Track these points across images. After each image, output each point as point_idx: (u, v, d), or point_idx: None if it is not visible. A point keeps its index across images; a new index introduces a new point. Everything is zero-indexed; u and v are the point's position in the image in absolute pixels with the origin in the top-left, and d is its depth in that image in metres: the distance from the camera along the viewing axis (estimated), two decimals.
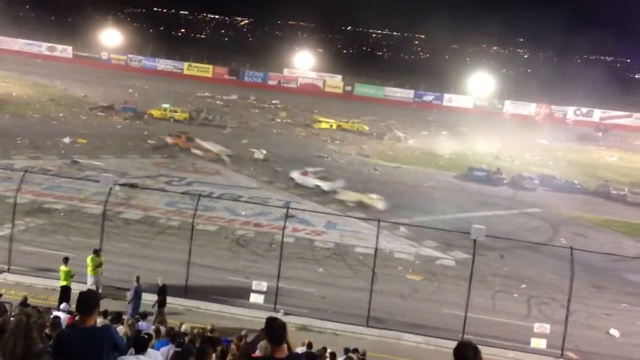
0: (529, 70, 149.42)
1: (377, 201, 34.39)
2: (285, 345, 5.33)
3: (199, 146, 42.99)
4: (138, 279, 17.86)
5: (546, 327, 18.87)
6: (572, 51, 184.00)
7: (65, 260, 18.19)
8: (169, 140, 44.51)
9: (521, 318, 21.63)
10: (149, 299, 17.90)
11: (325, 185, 36.67)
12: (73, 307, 14.61)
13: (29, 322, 5.38)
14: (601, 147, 65.50)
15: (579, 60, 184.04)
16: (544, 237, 32.26)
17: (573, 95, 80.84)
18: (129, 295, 17.55)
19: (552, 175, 46.48)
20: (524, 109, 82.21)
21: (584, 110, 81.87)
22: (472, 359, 4.75)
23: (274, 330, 5.28)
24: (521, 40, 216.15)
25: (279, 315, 17.02)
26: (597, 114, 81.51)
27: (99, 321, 5.81)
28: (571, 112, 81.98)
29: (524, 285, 25.03)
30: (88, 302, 5.75)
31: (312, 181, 37.09)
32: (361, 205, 33.98)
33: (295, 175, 37.93)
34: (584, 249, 25.83)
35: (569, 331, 18.93)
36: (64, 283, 17.92)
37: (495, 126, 62.21)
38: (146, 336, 8.39)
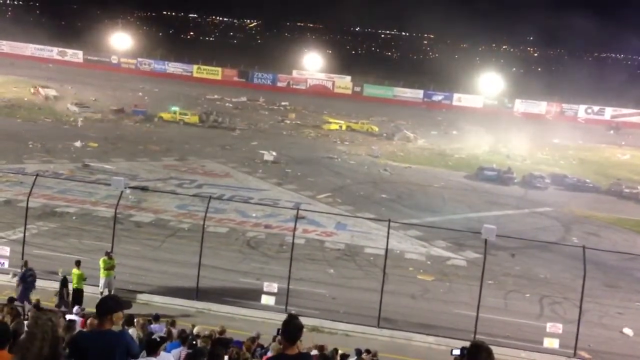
0: (539, 69, 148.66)
1: None
2: (297, 345, 5.42)
3: (44, 93, 58.35)
4: (26, 263, 18.10)
5: (559, 327, 18.76)
6: (583, 49, 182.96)
7: (78, 263, 18.30)
8: (32, 90, 59.11)
9: (533, 318, 21.53)
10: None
11: None
12: (87, 309, 14.71)
13: (54, 325, 5.42)
14: (613, 145, 65.05)
15: (589, 58, 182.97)
16: (556, 237, 32.09)
17: (584, 93, 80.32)
18: (16, 280, 17.84)
19: (563, 174, 46.22)
20: (534, 107, 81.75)
21: (595, 108, 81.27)
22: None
23: (290, 329, 5.37)
24: (531, 38, 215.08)
25: None
26: (609, 112, 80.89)
27: (114, 326, 5.86)
28: (582, 110, 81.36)
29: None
30: (106, 306, 5.81)
31: None
32: None
33: None
34: (596, 248, 25.69)
35: (581, 331, 18.82)
36: (76, 286, 18.03)
37: (506, 125, 61.86)
38: (158, 339, 8.42)
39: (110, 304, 5.84)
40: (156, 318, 14.66)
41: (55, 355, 5.28)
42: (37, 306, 13.97)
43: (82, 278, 18.08)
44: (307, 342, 13.05)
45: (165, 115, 54.51)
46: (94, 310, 6.06)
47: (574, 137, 63.12)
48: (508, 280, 25.10)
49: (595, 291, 23.43)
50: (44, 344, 5.19)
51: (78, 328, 11.38)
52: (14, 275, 19.90)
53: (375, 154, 49.46)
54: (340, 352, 14.37)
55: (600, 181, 45.97)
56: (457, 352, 5.96)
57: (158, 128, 51.55)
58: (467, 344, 5.34)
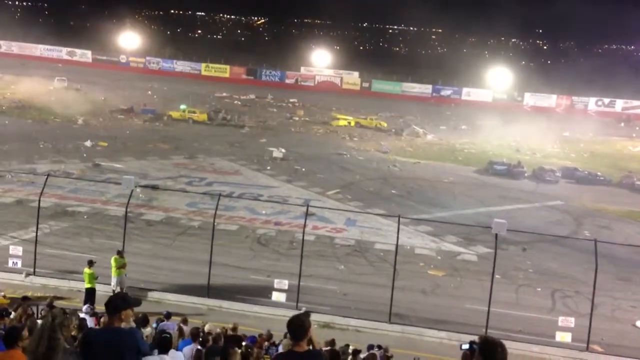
0: (548, 62, 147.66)
1: None
2: (304, 342, 5.45)
3: None
4: None
5: (571, 321, 18.68)
6: (592, 41, 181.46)
7: (90, 263, 18.41)
8: None
9: (545, 312, 21.44)
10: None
11: None
12: (97, 308, 14.81)
13: (53, 322, 5.50)
14: (624, 137, 64.57)
15: (599, 50, 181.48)
16: (567, 230, 31.94)
17: (594, 85, 79.72)
18: None
19: (574, 168, 45.95)
20: (544, 101, 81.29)
21: (606, 100, 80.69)
22: (500, 355, 4.72)
23: (293, 327, 5.44)
24: (540, 31, 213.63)
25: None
26: (619, 104, 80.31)
27: (124, 324, 5.90)
28: (592, 103, 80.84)
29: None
30: (115, 304, 5.87)
31: None
32: None
33: None
34: (608, 241, 25.57)
35: (594, 324, 18.72)
36: (88, 285, 18.17)
37: (515, 119, 61.60)
38: (168, 336, 8.46)
39: (118, 302, 5.89)
40: (168, 316, 14.72)
41: (54, 352, 5.34)
42: (50, 305, 14.07)
43: (93, 277, 18.21)
44: (318, 339, 13.07)
45: (174, 114, 54.71)
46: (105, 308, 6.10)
47: (585, 130, 62.75)
48: (519, 275, 25.02)
49: (608, 284, 23.30)
50: (40, 340, 5.28)
51: (92, 326, 11.45)
52: (27, 274, 20.11)
53: (385, 150, 49.39)
54: (352, 347, 14.39)
55: (611, 174, 45.65)
56: (466, 346, 5.94)
57: (167, 127, 51.75)
58: (476, 338, 5.33)
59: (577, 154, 54.33)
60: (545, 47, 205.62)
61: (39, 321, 5.52)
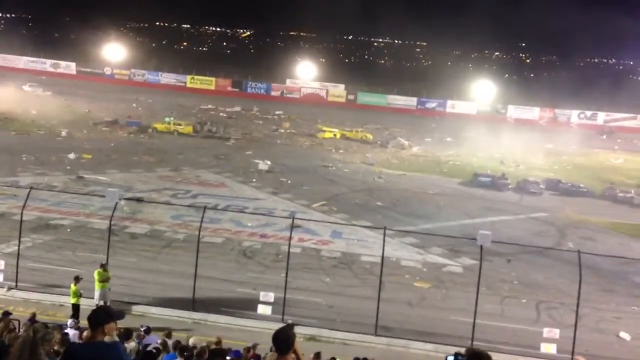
0: (531, 75, 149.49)
1: None
2: (291, 356, 5.42)
3: None
4: None
5: (556, 332, 18.76)
6: (575, 54, 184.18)
7: (76, 279, 18.21)
8: None
9: (530, 323, 21.51)
10: None
11: None
12: (82, 323, 14.63)
13: (35, 337, 5.42)
14: (606, 149, 65.34)
15: (581, 64, 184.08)
16: (551, 242, 32.17)
17: (577, 98, 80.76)
18: None
19: (557, 179, 46.38)
20: (527, 113, 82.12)
21: (588, 113, 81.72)
22: None
23: (278, 340, 5.42)
24: (523, 44, 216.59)
25: None
26: (602, 116, 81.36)
27: (107, 337, 5.82)
28: (575, 115, 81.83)
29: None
30: (98, 317, 5.79)
31: None
32: None
33: None
34: (591, 252, 25.73)
35: (578, 335, 18.80)
36: (73, 301, 18.00)
37: (499, 131, 62.14)
38: (154, 350, 8.38)
39: (101, 315, 5.82)
40: (147, 331, 14.51)
41: None
42: (32, 319, 13.88)
43: (76, 294, 18.02)
44: (305, 352, 12.99)
45: (160, 126, 54.52)
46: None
47: (568, 142, 63.42)
48: (504, 286, 25.11)
49: (592, 296, 23.45)
50: (22, 356, 5.20)
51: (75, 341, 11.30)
52: (9, 289, 19.83)
53: (370, 162, 49.53)
54: None
55: (594, 186, 46.13)
56: (451, 358, 5.96)
57: (152, 139, 51.54)
58: (461, 350, 5.34)
59: (560, 166, 54.86)
60: (528, 61, 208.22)
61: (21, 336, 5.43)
